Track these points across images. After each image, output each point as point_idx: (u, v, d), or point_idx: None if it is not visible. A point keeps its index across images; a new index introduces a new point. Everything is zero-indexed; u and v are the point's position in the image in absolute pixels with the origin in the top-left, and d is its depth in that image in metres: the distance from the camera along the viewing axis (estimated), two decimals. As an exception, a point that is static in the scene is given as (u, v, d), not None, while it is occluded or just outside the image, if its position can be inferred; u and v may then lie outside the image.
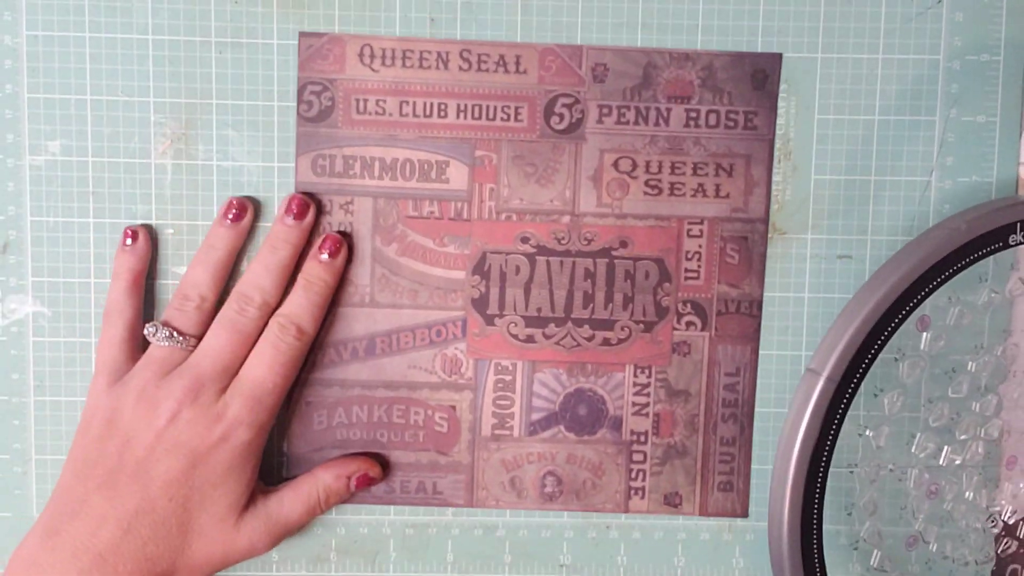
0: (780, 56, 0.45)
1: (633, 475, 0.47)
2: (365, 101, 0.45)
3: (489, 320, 0.46)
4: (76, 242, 0.45)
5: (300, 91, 0.45)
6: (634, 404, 0.47)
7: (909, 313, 0.39)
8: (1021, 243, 0.40)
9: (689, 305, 0.46)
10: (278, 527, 0.44)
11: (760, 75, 0.45)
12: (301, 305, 0.44)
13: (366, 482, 0.45)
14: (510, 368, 0.46)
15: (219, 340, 0.43)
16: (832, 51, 0.45)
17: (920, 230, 0.46)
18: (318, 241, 0.45)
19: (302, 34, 0.45)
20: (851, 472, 0.47)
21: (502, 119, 0.45)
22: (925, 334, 0.43)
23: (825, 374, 0.39)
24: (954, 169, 0.46)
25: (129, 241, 0.44)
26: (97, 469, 0.41)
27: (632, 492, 0.47)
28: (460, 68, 0.45)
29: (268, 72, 0.45)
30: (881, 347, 0.39)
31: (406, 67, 0.45)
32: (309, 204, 0.44)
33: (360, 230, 0.46)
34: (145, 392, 0.42)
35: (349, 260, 0.45)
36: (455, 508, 0.47)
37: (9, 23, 0.44)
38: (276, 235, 0.44)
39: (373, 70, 0.45)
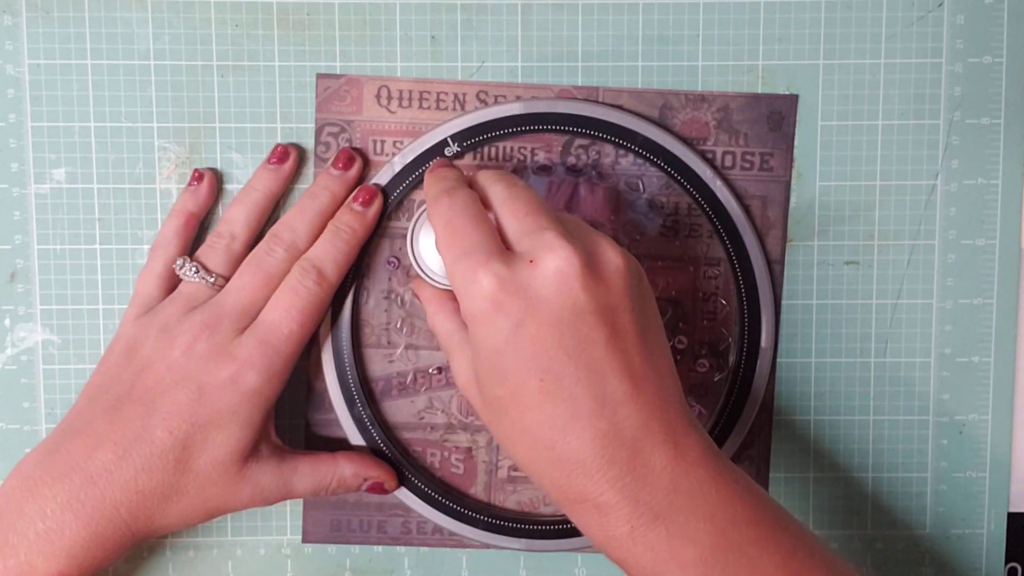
0: (796, 98, 0.45)
1: None
2: (383, 142, 0.45)
3: None
4: (83, 269, 0.45)
5: (317, 133, 0.45)
6: None
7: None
8: (457, 152, 0.44)
9: (705, 347, 0.46)
10: (282, 492, 0.43)
11: (776, 116, 0.45)
12: (325, 250, 0.43)
13: (378, 490, 0.45)
14: None
15: (243, 279, 0.42)
16: (834, 57, 0.45)
17: (927, 233, 0.46)
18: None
19: (319, 76, 0.45)
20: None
21: (519, 159, 0.45)
22: None
23: None
24: (959, 172, 0.45)
25: (195, 184, 0.44)
26: (108, 394, 0.41)
27: None
28: (477, 109, 0.45)
29: (271, 94, 0.45)
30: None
31: (423, 108, 0.45)
32: (355, 157, 0.44)
33: (377, 270, 0.46)
34: (167, 325, 0.42)
35: (384, 214, 0.45)
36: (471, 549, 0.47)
37: (11, 52, 0.44)
38: (317, 183, 0.44)
39: (390, 111, 0.45)
